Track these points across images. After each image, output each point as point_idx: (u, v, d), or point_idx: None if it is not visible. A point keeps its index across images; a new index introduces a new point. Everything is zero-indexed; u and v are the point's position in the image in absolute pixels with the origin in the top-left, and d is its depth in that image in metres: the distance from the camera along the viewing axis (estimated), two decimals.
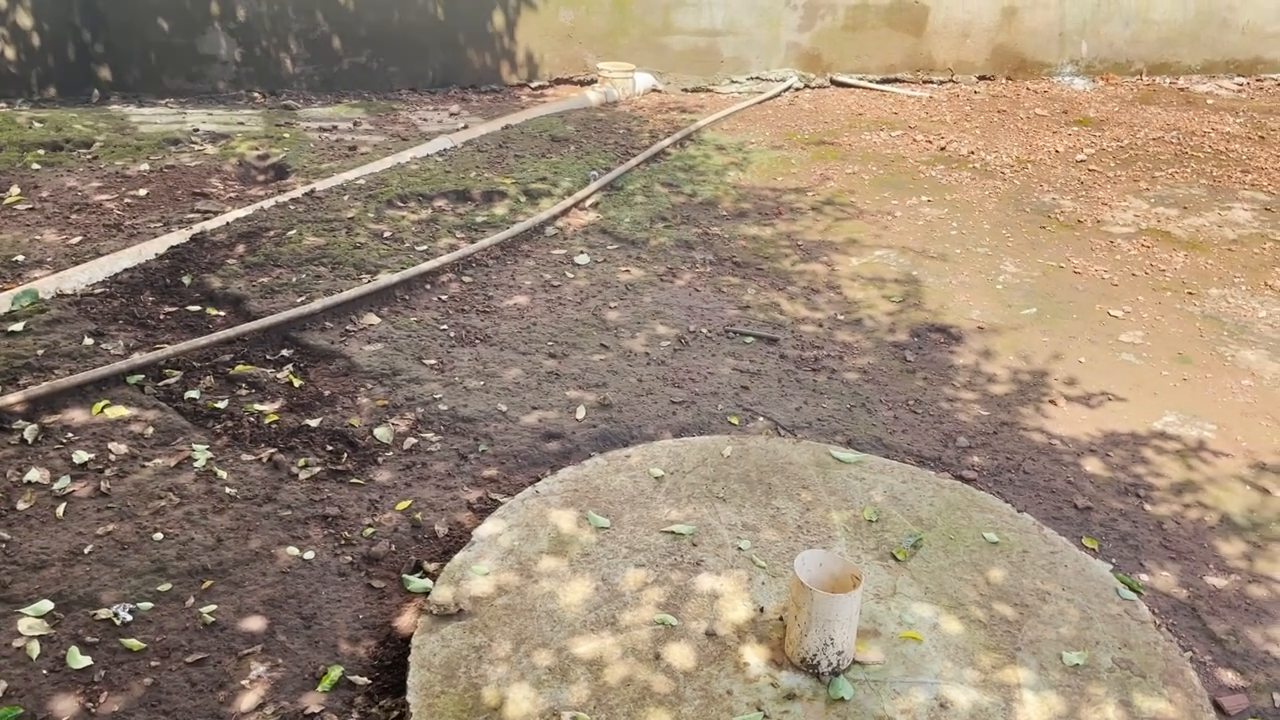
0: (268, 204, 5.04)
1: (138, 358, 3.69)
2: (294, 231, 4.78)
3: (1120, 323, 4.39)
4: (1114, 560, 3.02)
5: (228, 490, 3.12)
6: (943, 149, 6.39)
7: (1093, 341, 4.24)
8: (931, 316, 4.38)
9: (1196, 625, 2.80)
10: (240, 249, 4.61)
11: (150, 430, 3.36)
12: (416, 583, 2.82)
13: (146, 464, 3.20)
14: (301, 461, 3.30)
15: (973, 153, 6.33)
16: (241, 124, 6.25)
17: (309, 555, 2.90)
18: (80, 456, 3.18)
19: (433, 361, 3.91)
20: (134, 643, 2.55)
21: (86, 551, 2.81)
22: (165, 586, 2.74)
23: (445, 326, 4.16)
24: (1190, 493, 3.34)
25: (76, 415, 3.39)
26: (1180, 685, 2.44)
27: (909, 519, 2.96)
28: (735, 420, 3.61)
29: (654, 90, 7.35)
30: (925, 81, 7.83)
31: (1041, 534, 2.94)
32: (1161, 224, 5.39)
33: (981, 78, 7.95)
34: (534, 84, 7.31)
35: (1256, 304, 4.58)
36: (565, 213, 5.21)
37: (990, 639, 2.54)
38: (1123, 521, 3.20)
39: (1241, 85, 8.12)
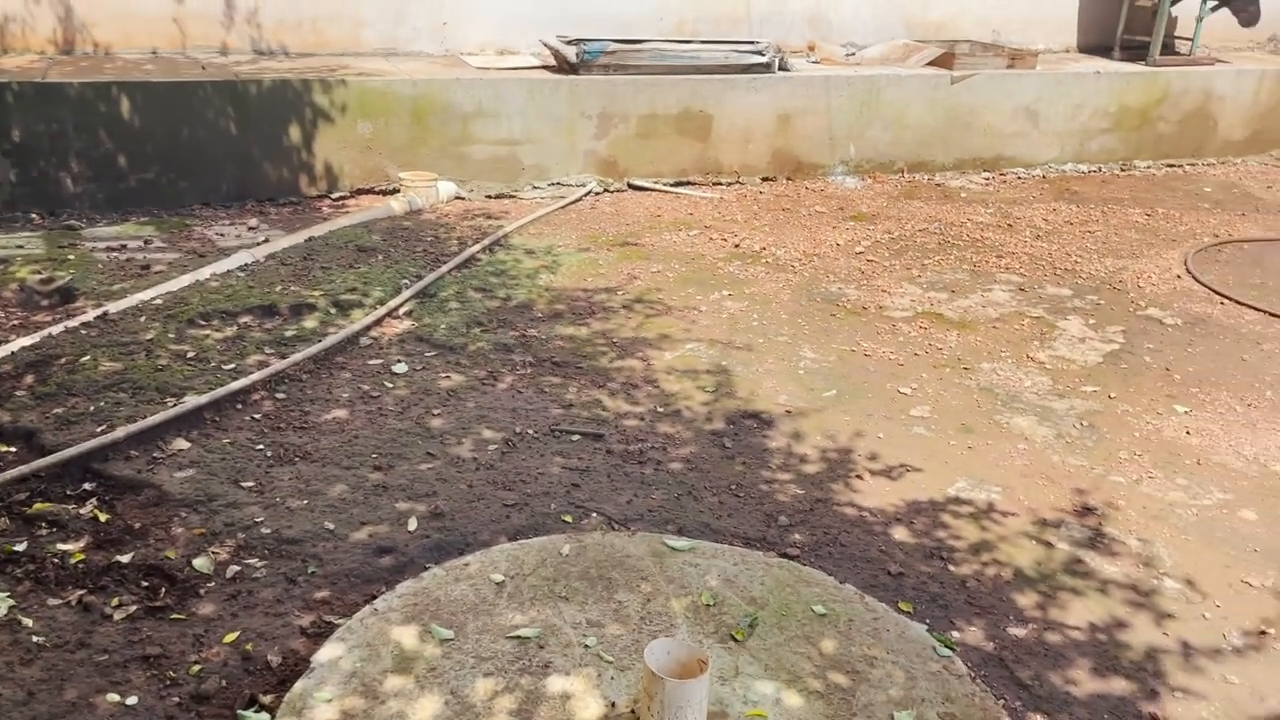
0: (56, 330, 4.76)
1: None
2: (88, 357, 4.54)
3: (909, 399, 4.78)
4: (928, 620, 3.26)
5: (35, 639, 2.90)
6: (737, 246, 6.80)
7: (888, 418, 4.59)
8: (744, 404, 4.63)
9: (1005, 674, 3.06)
10: (29, 379, 4.33)
11: None
12: (252, 718, 2.70)
13: None
14: (115, 601, 3.11)
15: (764, 248, 6.77)
16: (20, 247, 5.90)
17: (131, 700, 2.73)
18: None
19: (250, 483, 3.79)
20: None
21: None
22: None
23: (261, 446, 4.04)
24: (986, 551, 3.65)
25: None
26: None
27: (743, 599, 3.10)
28: (569, 518, 3.68)
29: (458, 198, 7.46)
30: (715, 183, 8.34)
31: (864, 602, 3.14)
32: (934, 307, 5.92)
33: (765, 179, 8.54)
34: (335, 195, 7.29)
35: (1022, 375, 5.09)
36: (379, 322, 5.19)
37: (828, 708, 2.69)
38: (932, 583, 3.46)
39: (988, 179, 9.08)
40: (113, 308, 5.06)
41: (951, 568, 3.55)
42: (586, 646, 2.86)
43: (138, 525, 3.50)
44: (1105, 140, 9.42)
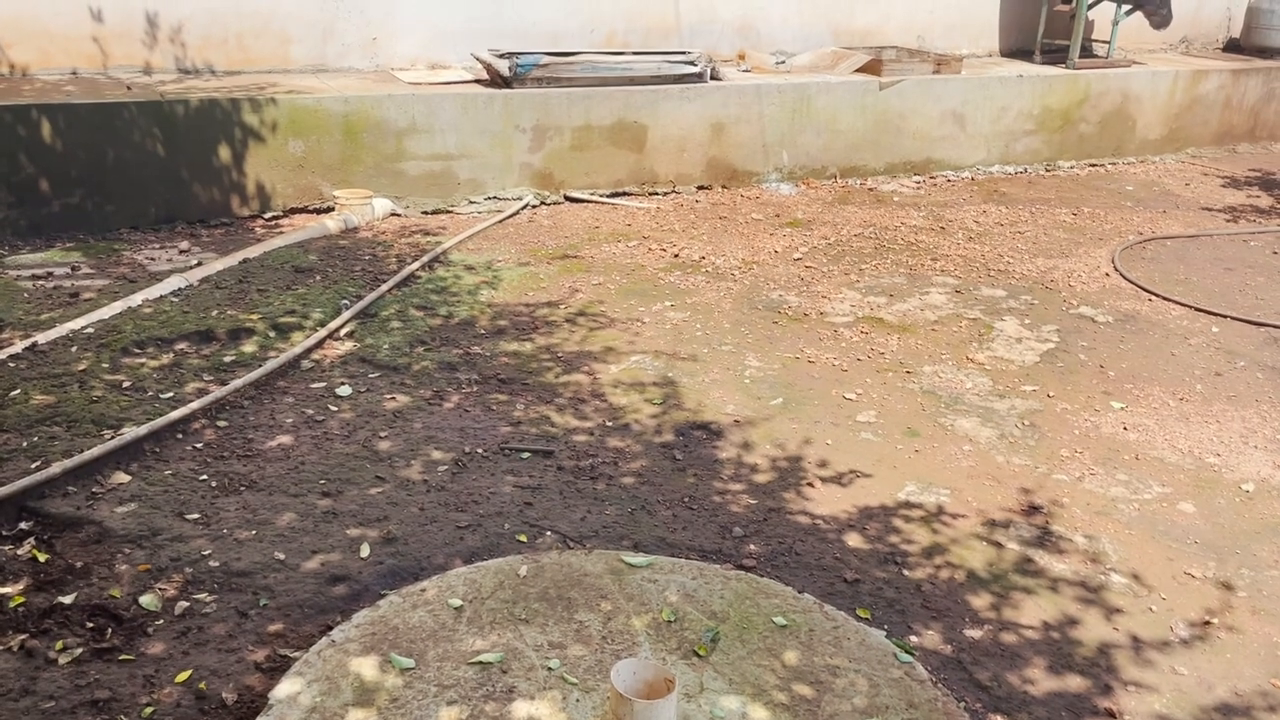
0: None
1: None
2: (17, 391, 4.39)
3: (855, 404, 4.84)
4: (886, 627, 3.30)
5: None
6: (676, 256, 6.82)
7: (835, 424, 4.64)
8: (692, 415, 4.64)
9: (964, 676, 3.11)
10: None
11: None
12: None
13: None
14: (59, 644, 3.01)
15: (704, 258, 6.80)
16: None
17: None
18: None
19: (196, 515, 3.70)
20: None
21: None
22: None
23: (205, 476, 3.95)
24: (939, 555, 3.71)
25: None
26: None
27: (704, 614, 3.10)
28: (524, 538, 3.66)
29: (394, 214, 7.37)
30: (651, 194, 8.36)
31: (823, 611, 3.17)
32: (874, 311, 6.01)
33: (700, 187, 8.58)
34: (268, 215, 7.15)
35: (963, 376, 5.19)
36: (320, 344, 5.10)
37: None
38: (888, 589, 3.50)
39: (919, 182, 9.24)
40: (42, 338, 4.90)
41: (906, 572, 3.60)
42: (550, 669, 2.84)
43: (79, 564, 3.39)
44: (1030, 142, 9.66)
